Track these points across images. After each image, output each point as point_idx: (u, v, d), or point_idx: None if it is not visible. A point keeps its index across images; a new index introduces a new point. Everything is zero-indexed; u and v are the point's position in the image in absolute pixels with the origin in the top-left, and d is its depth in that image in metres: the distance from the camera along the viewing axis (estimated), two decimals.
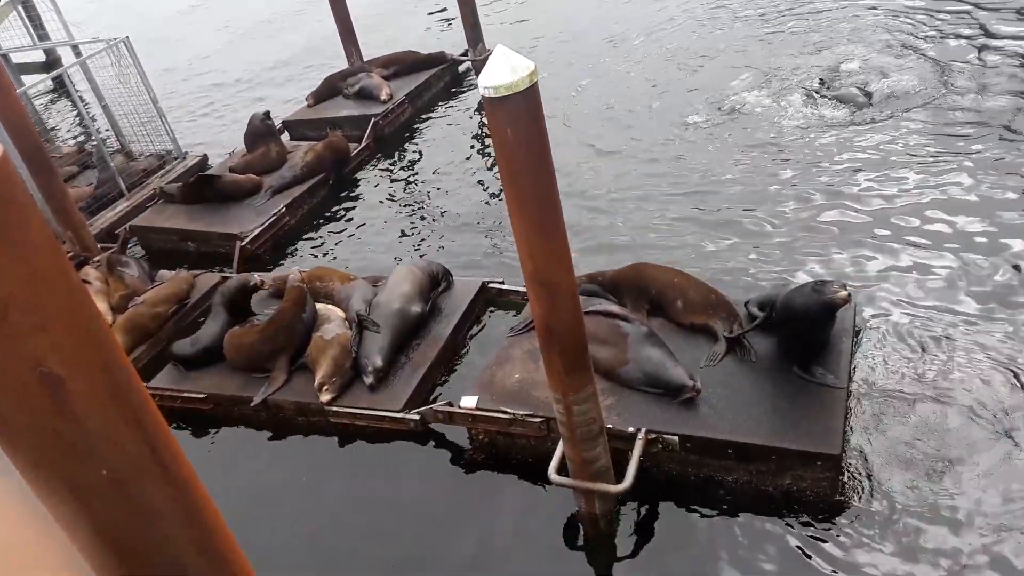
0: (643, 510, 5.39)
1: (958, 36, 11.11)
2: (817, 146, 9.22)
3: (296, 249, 9.86)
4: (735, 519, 5.21)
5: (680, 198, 8.86)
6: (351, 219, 10.30)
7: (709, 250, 7.83)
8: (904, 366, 5.95)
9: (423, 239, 9.39)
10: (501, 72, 3.60)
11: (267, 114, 11.42)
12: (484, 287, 7.61)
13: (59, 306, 1.54)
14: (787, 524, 5.08)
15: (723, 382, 5.61)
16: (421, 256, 8.83)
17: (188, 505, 1.77)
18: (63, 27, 12.97)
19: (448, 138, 12.09)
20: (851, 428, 5.48)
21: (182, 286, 8.55)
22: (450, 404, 6.06)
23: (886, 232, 7.51)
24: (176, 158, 12.16)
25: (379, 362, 6.55)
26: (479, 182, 10.42)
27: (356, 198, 10.80)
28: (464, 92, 13.76)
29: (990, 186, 7.81)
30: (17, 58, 15.67)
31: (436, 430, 6.31)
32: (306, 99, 13.61)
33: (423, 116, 13.02)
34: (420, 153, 11.80)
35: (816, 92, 10.39)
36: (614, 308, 6.26)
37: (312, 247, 9.83)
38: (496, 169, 9.94)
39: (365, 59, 14.15)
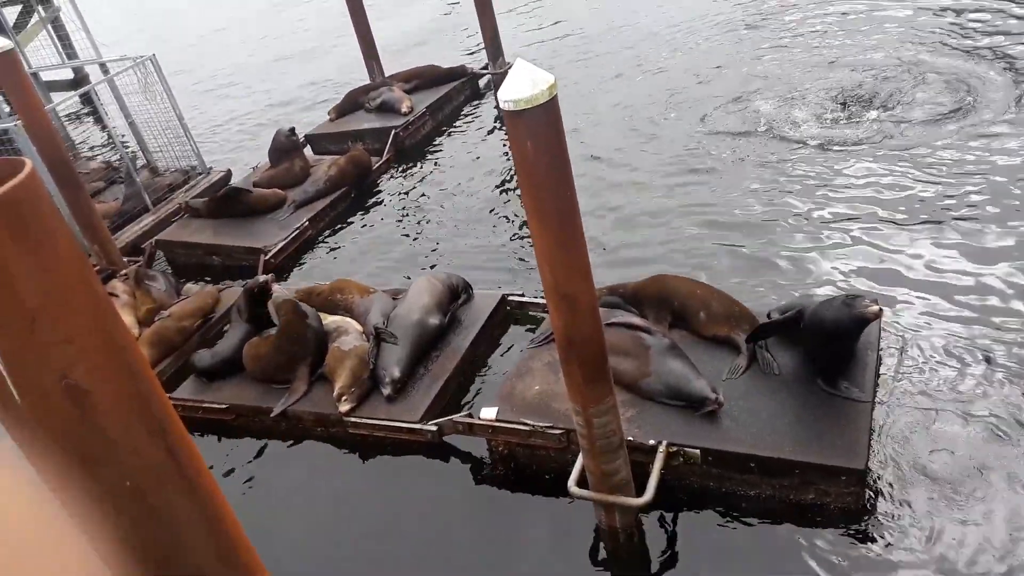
0: (665, 524, 5.34)
1: (983, 50, 11.00)
2: (838, 159, 9.15)
3: (318, 262, 9.93)
4: (758, 534, 5.14)
5: (699, 211, 8.82)
6: (372, 231, 10.37)
7: (729, 264, 7.78)
8: (930, 380, 5.87)
9: (443, 251, 9.42)
10: (521, 85, 3.62)
11: (292, 130, 11.56)
12: (504, 300, 7.62)
13: (85, 319, 1.56)
14: (811, 540, 5.00)
15: (746, 395, 5.56)
16: (440, 267, 8.86)
17: (209, 515, 1.79)
18: (91, 46, 13.24)
19: (468, 151, 12.15)
20: (876, 442, 5.40)
21: (208, 300, 8.64)
22: (470, 415, 6.05)
23: (910, 246, 7.42)
24: (200, 173, 12.32)
25: (397, 373, 6.57)
26: (499, 194, 10.45)
27: (377, 210, 10.88)
28: (484, 105, 13.85)
29: (1016, 196, 7.71)
30: (46, 76, 15.99)
31: (455, 441, 6.31)
32: (329, 113, 13.76)
33: (443, 129, 13.11)
34: (440, 165, 11.87)
35: (835, 105, 10.32)
36: (636, 320, 6.23)
37: (334, 260, 9.90)
38: (516, 182, 9.97)
39: (386, 74, 14.30)
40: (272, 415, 6.76)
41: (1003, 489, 4.98)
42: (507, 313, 7.68)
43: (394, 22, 19.89)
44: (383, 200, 11.13)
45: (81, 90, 13.95)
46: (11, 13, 16.64)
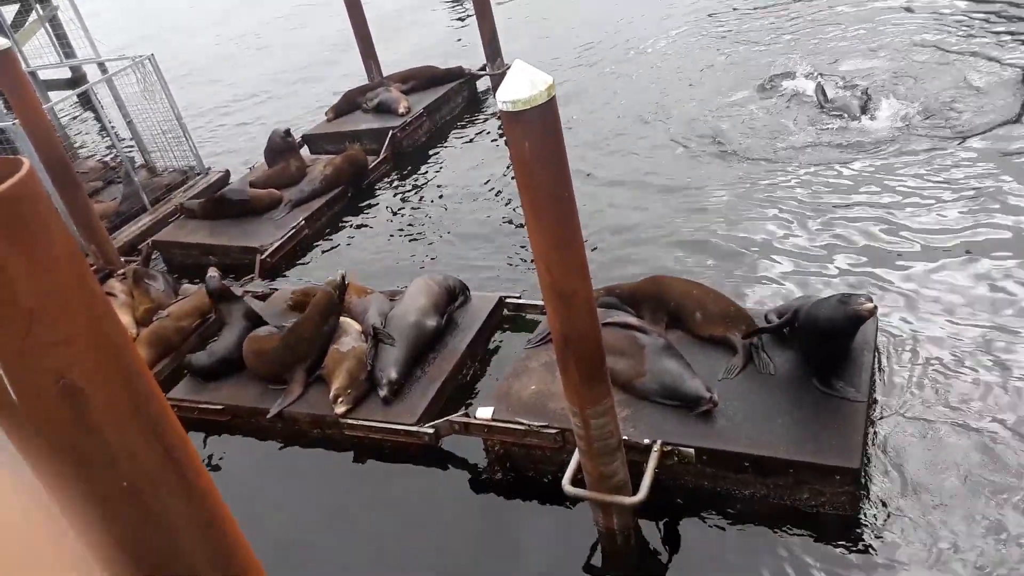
0: (660, 524, 5.36)
1: (976, 52, 11.04)
2: (832, 160, 9.16)
3: (315, 261, 9.94)
4: (752, 534, 5.16)
5: (694, 212, 8.84)
6: (369, 231, 10.38)
7: (724, 265, 7.79)
8: (926, 380, 5.89)
9: (440, 252, 9.43)
10: (519, 86, 3.63)
11: (287, 131, 11.56)
12: (501, 302, 7.62)
13: (82, 320, 1.57)
14: (805, 539, 5.02)
15: (741, 395, 5.57)
16: (438, 270, 8.85)
17: (206, 516, 1.80)
18: (90, 45, 13.21)
19: (466, 151, 12.16)
20: (871, 442, 5.42)
21: (205, 300, 8.62)
22: (466, 415, 6.06)
23: (907, 246, 7.44)
24: (199, 173, 12.31)
25: (394, 375, 6.57)
26: (497, 195, 10.46)
27: (374, 211, 10.88)
28: (482, 106, 13.86)
29: (1011, 191, 7.73)
30: (44, 75, 15.97)
31: (451, 443, 6.31)
32: (326, 114, 13.75)
33: (441, 130, 13.12)
34: (438, 166, 11.87)
35: (823, 103, 10.35)
36: (631, 320, 6.25)
37: (330, 259, 9.90)
38: (514, 182, 9.97)
39: (384, 74, 14.29)
40: (268, 416, 6.76)
41: (997, 494, 4.99)
42: (504, 316, 7.68)
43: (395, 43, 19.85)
44: (380, 201, 11.13)
45: (79, 89, 13.91)
46: (9, 11, 16.62)
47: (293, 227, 10.08)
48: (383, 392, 6.51)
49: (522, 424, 5.75)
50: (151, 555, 1.70)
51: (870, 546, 4.88)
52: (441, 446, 6.29)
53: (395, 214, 10.68)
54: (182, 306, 8.42)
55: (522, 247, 8.94)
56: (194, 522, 1.72)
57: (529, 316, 7.56)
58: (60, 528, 1.65)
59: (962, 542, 4.75)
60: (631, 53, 14.36)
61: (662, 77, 12.84)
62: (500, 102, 3.67)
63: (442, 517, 5.86)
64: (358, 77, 14.73)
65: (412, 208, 10.76)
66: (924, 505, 5.01)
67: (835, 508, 5.07)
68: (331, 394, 6.55)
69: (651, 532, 5.32)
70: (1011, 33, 11.22)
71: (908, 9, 13.03)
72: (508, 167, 10.85)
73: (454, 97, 13.88)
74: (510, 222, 9.64)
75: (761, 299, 7.09)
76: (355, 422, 6.44)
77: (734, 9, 15.27)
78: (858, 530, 4.99)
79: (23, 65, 11.13)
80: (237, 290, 8.52)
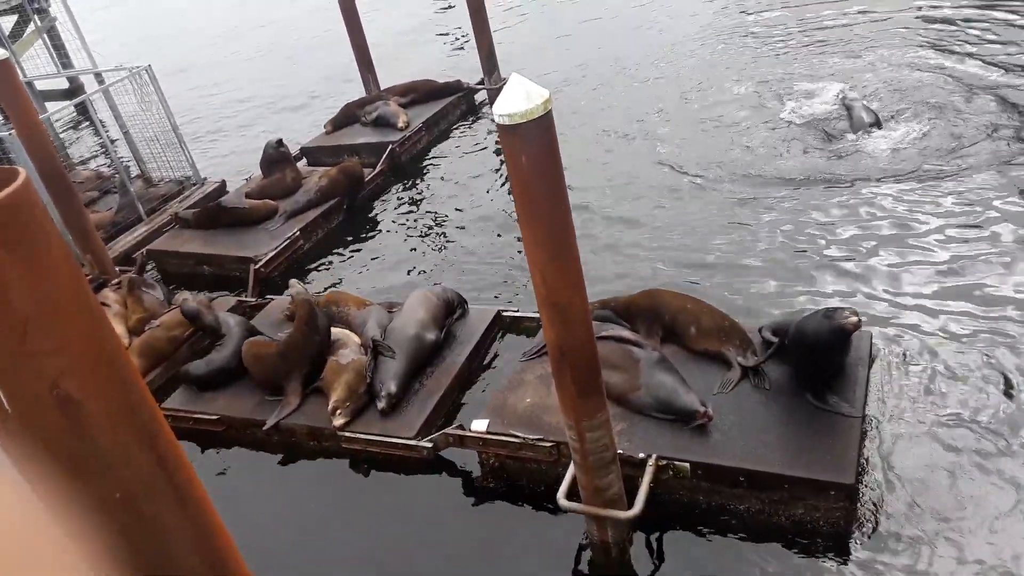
0: (654, 538, 5.34)
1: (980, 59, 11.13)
2: (827, 178, 9.21)
3: (310, 273, 9.93)
4: (747, 549, 5.14)
5: (689, 227, 8.87)
6: (366, 244, 10.38)
7: (719, 280, 7.81)
8: (921, 396, 5.89)
9: (438, 265, 9.43)
10: (516, 100, 3.64)
11: (280, 141, 11.52)
12: (499, 316, 7.61)
13: (76, 329, 1.57)
14: (800, 555, 5.01)
15: (736, 409, 5.57)
16: (436, 283, 8.85)
17: (199, 526, 1.79)
18: (87, 56, 13.24)
19: (464, 165, 12.19)
20: (866, 458, 5.42)
21: None
22: (461, 427, 6.05)
23: (902, 261, 7.48)
24: (195, 184, 12.31)
25: (393, 388, 6.55)
26: (494, 208, 10.48)
27: (372, 223, 10.89)
28: (480, 120, 13.91)
29: (1003, 205, 7.78)
30: (41, 85, 15.99)
31: (448, 457, 6.29)
32: (324, 126, 13.78)
33: (440, 143, 13.15)
34: (436, 179, 11.90)
35: (825, 117, 10.42)
36: (626, 334, 6.25)
37: (326, 271, 9.90)
38: (511, 195, 9.99)
39: (382, 87, 14.34)
40: (264, 428, 6.73)
41: (993, 509, 4.99)
42: (502, 329, 7.67)
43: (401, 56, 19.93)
44: (378, 214, 11.14)
45: (76, 100, 13.94)
46: (7, 22, 16.66)
47: (288, 238, 10.07)
48: (381, 404, 6.48)
49: (517, 437, 5.74)
50: (144, 563, 1.69)
51: (865, 562, 4.87)
52: (439, 459, 6.26)
53: (393, 227, 10.69)
54: (174, 316, 8.39)
55: (519, 261, 8.94)
56: (187, 531, 1.72)
57: (525, 325, 7.54)
58: (54, 537, 1.64)
59: (958, 557, 4.74)
60: (627, 70, 14.44)
61: (660, 95, 12.90)
62: (497, 115, 3.69)
63: (437, 529, 5.83)
64: (357, 90, 14.77)
65: (410, 221, 10.77)
66: (919, 520, 5.01)
67: (830, 524, 5.06)
68: (329, 406, 6.52)
69: (645, 546, 5.30)
70: None
71: (920, 20, 13.15)
72: (505, 180, 10.88)
73: (452, 111, 13.94)
74: (507, 234, 9.65)
75: (755, 312, 7.09)
76: (353, 435, 6.41)
77: (734, 28, 15.39)
78: (852, 546, 4.98)
79: (20, 75, 11.13)
80: (226, 303, 8.56)
